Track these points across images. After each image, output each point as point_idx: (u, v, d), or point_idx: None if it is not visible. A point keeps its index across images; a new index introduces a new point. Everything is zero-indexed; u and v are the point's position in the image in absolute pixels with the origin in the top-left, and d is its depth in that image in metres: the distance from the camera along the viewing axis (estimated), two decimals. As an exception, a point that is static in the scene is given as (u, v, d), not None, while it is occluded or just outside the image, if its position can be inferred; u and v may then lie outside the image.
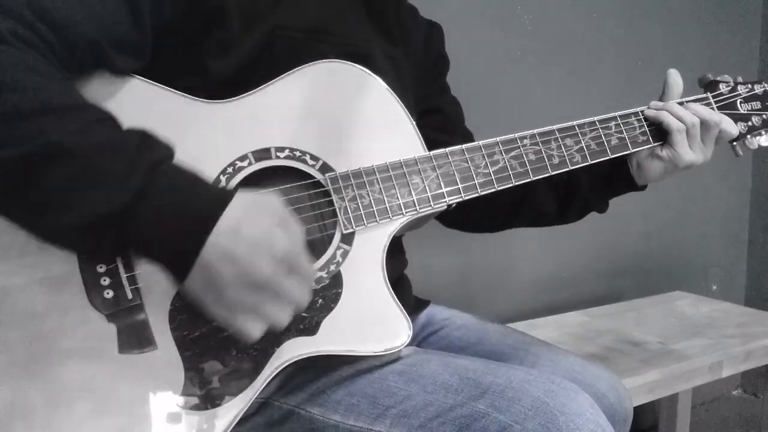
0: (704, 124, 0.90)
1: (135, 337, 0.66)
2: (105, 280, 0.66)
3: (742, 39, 2.22)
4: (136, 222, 0.59)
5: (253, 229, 0.61)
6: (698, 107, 0.91)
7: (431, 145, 0.81)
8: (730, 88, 0.97)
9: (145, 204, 0.59)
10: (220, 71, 0.73)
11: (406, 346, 0.73)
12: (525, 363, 0.89)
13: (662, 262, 2.13)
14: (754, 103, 0.96)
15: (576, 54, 1.83)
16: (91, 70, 0.67)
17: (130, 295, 0.66)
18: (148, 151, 0.61)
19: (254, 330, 0.62)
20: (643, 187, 0.97)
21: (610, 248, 1.98)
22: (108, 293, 0.65)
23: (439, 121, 1.02)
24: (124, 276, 0.66)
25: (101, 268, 0.66)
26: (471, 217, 1.06)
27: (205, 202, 0.61)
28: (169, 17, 0.71)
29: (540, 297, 1.84)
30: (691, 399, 1.89)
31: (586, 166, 0.87)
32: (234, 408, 0.67)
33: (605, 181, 0.97)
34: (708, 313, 1.77)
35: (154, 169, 0.60)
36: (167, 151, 0.63)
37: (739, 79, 0.98)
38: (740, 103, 0.96)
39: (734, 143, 0.97)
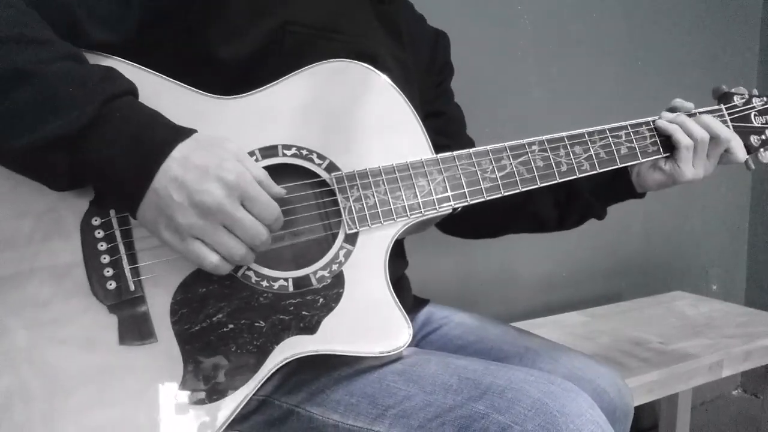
0: (714, 140, 0.88)
1: (136, 329, 0.66)
2: (108, 271, 0.67)
3: (743, 38, 2.22)
4: (88, 147, 0.61)
5: (204, 158, 0.62)
6: (710, 121, 0.89)
7: (433, 148, 0.80)
8: (744, 100, 0.94)
9: (99, 131, 0.61)
10: (227, 60, 0.74)
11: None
12: (524, 360, 0.89)
13: (662, 262, 2.13)
14: None
15: (576, 54, 1.82)
16: (63, 31, 0.67)
17: (132, 287, 0.67)
18: (109, 84, 0.64)
19: (208, 257, 0.63)
20: (642, 195, 0.96)
21: (610, 248, 1.98)
22: (110, 284, 0.66)
23: (442, 124, 1.02)
24: (127, 268, 0.67)
25: (105, 259, 0.67)
26: (469, 222, 1.05)
27: (159, 133, 0.63)
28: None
29: (540, 297, 1.84)
30: (691, 399, 1.89)
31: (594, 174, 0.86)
32: (231, 404, 0.67)
33: (606, 187, 0.97)
34: (708, 313, 1.77)
35: (112, 100, 0.62)
36: (129, 86, 0.65)
37: (755, 92, 0.96)
38: (754, 116, 0.94)
39: (747, 156, 0.95)
